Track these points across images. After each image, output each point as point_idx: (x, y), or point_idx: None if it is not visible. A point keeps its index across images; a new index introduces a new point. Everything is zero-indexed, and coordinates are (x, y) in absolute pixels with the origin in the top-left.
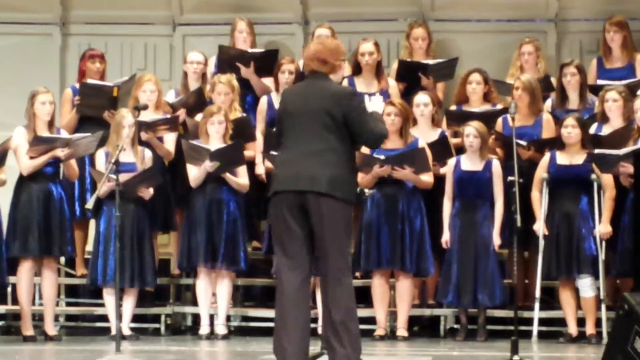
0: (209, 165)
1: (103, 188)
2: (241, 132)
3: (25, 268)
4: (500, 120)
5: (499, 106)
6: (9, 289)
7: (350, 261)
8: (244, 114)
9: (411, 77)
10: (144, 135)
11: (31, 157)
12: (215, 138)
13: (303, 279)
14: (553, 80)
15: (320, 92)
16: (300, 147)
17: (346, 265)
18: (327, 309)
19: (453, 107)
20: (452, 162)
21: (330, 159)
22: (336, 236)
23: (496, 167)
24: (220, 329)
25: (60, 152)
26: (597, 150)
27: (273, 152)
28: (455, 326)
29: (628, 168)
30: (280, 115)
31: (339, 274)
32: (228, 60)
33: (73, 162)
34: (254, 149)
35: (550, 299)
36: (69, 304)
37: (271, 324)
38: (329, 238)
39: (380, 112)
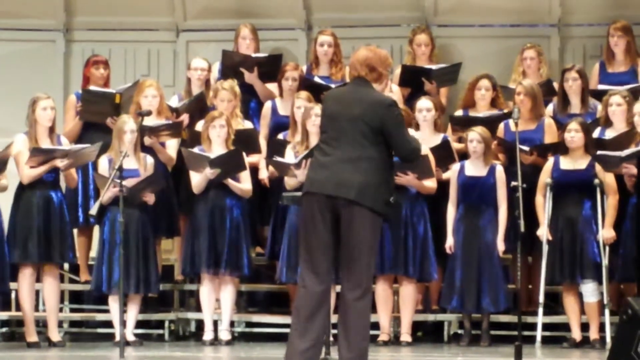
0: (209, 172)
1: (107, 194)
2: (246, 143)
3: (26, 274)
4: (502, 125)
5: (506, 112)
6: (13, 296)
7: (372, 273)
8: (249, 124)
9: (414, 82)
10: (147, 140)
11: (31, 167)
12: (217, 143)
13: (325, 287)
14: (555, 84)
15: (360, 98)
16: (337, 152)
17: (367, 275)
18: (342, 316)
19: (459, 112)
20: (456, 167)
21: (364, 166)
22: (360, 245)
23: (500, 172)
24: (224, 334)
25: (60, 163)
26: (599, 152)
27: (277, 158)
28: (459, 331)
29: (630, 169)
30: (322, 117)
31: (357, 283)
32: (232, 65)
33: (72, 171)
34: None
35: (554, 304)
36: (73, 310)
37: (275, 330)
38: (353, 246)
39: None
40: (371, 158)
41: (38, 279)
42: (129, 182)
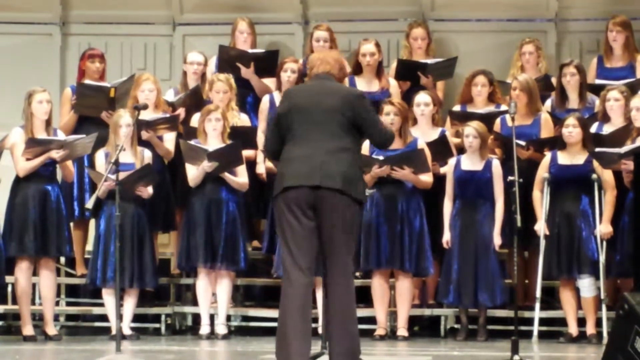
0: (207, 165)
1: (102, 188)
2: (245, 140)
3: (22, 268)
4: (498, 120)
5: (503, 107)
6: (10, 289)
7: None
8: (245, 118)
9: (410, 76)
10: (144, 134)
11: (27, 159)
12: (213, 136)
13: (310, 280)
14: (553, 80)
15: (332, 91)
16: (314, 145)
17: (350, 265)
18: (328, 309)
19: (457, 108)
20: (452, 162)
21: (344, 157)
22: (345, 235)
23: (496, 167)
24: (221, 328)
25: (56, 154)
26: (598, 149)
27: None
28: (456, 326)
29: (629, 165)
30: (288, 112)
31: (343, 273)
32: (228, 60)
33: (69, 163)
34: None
35: (550, 299)
36: (69, 304)
37: (271, 324)
38: (338, 236)
39: None
40: (348, 149)
41: (34, 273)
42: (121, 176)
